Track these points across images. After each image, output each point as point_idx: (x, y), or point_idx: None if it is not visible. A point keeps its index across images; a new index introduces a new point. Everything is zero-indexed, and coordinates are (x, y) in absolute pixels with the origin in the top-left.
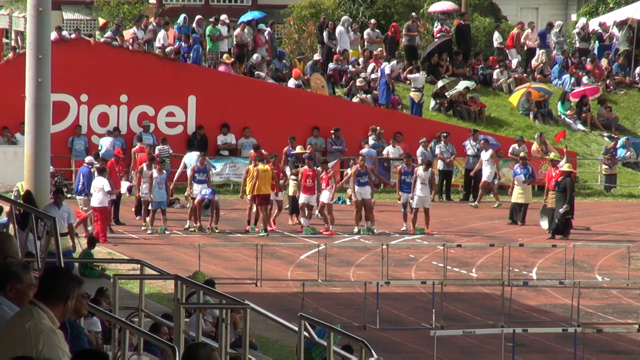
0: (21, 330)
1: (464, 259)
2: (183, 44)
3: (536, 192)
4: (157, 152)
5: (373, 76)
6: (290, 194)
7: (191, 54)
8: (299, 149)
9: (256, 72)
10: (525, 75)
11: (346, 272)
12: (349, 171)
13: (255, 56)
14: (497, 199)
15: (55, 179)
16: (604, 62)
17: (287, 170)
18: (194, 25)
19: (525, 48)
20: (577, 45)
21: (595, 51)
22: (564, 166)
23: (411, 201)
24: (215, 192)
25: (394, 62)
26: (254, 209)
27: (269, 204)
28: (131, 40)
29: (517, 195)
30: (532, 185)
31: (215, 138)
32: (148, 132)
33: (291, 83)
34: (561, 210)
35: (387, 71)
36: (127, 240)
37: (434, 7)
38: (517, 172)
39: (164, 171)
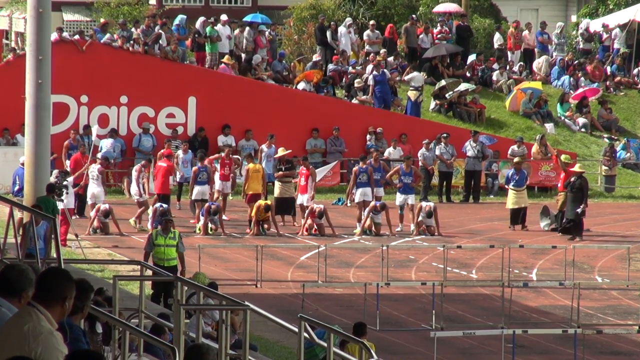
0: (19, 332)
1: (464, 260)
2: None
3: (535, 194)
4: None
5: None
6: (276, 195)
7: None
8: (280, 152)
9: (256, 73)
10: (524, 76)
11: (346, 273)
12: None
13: (255, 57)
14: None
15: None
16: (599, 63)
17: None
18: (197, 26)
19: (522, 49)
20: (581, 46)
21: (597, 52)
22: (575, 167)
23: (409, 201)
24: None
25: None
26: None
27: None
28: (132, 41)
29: (513, 200)
30: (528, 186)
31: (215, 139)
32: (148, 134)
33: (301, 86)
34: (579, 210)
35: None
36: (127, 242)
37: (438, 8)
38: (509, 178)
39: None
